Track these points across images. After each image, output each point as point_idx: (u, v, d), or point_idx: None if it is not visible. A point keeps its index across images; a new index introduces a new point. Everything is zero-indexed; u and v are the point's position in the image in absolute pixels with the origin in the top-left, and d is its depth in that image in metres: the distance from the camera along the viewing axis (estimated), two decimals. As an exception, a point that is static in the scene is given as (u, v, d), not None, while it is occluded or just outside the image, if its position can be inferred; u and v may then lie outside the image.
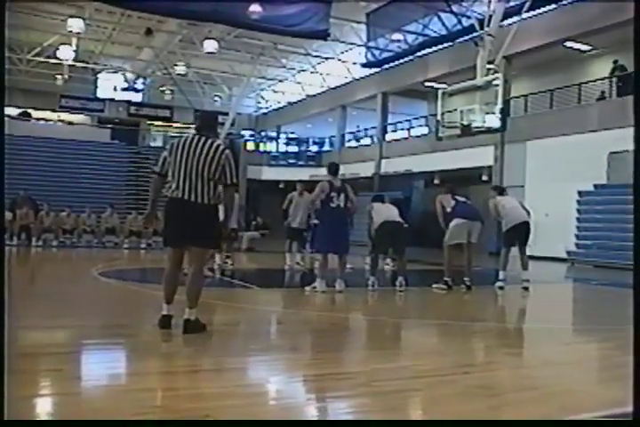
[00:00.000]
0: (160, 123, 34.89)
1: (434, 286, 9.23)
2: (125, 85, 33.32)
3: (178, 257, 5.13)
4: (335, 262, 8.43)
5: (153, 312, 5.15)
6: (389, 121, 28.40)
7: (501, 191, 10.21)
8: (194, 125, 5.29)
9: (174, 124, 35.30)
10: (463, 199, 9.75)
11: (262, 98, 36.84)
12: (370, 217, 9.00)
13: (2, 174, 4.26)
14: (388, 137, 28.12)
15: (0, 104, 4.81)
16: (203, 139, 4.99)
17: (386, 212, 8.98)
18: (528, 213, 9.76)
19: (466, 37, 17.10)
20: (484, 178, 21.31)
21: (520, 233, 9.62)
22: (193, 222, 4.92)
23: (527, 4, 15.43)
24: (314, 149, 34.19)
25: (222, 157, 4.95)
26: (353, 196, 8.40)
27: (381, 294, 8.51)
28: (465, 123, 14.23)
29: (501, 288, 9.49)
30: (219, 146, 5.01)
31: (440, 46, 21.22)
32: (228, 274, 10.32)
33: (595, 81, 18.90)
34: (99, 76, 32.82)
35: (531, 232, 9.68)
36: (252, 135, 35.65)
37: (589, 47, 19.92)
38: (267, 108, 37.32)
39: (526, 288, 9.55)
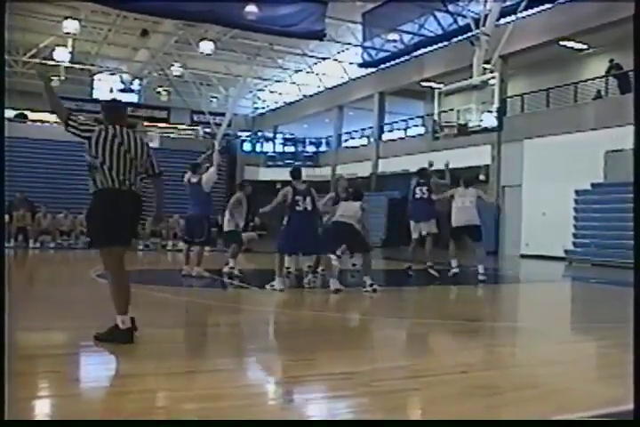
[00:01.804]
0: (157, 124, 34.86)
1: (430, 270, 9.42)
2: (122, 86, 33.26)
3: (123, 256, 4.83)
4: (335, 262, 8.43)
5: (151, 313, 5.14)
6: (386, 121, 28.40)
7: (467, 185, 10.61)
8: (102, 116, 4.93)
9: (171, 125, 35.29)
10: (420, 194, 10.19)
11: (259, 98, 36.81)
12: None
13: (2, 176, 4.25)
14: (385, 137, 28.12)
15: (0, 107, 4.77)
16: (125, 129, 4.80)
17: (342, 209, 8.77)
18: (498, 209, 10.33)
19: (462, 37, 17.09)
20: (482, 177, 21.30)
21: (463, 234, 10.36)
22: (132, 216, 4.76)
23: (523, 4, 15.43)
24: (311, 149, 34.17)
25: (146, 147, 4.86)
26: (317, 198, 8.47)
27: (378, 294, 8.50)
28: (462, 122, 14.24)
29: (455, 274, 10.19)
30: (141, 137, 4.91)
31: (436, 46, 21.21)
32: (227, 275, 10.29)
33: (590, 80, 18.92)
34: (95, 77, 32.77)
35: (477, 232, 10.35)
36: (248, 136, 35.65)
37: (585, 46, 19.93)
38: (263, 108, 37.30)
39: (482, 281, 9.93)
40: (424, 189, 10.69)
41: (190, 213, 10.33)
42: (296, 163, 31.71)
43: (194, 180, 10.20)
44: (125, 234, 4.77)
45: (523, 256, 18.69)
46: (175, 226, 19.18)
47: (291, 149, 34.64)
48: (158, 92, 32.83)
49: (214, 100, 31.46)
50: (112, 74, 32.66)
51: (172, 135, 33.93)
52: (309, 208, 8.23)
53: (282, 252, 8.44)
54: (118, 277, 4.79)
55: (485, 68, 14.50)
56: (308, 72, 29.91)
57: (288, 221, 8.45)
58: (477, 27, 15.02)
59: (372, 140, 28.51)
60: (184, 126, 35.48)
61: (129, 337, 4.55)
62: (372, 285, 8.33)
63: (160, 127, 34.85)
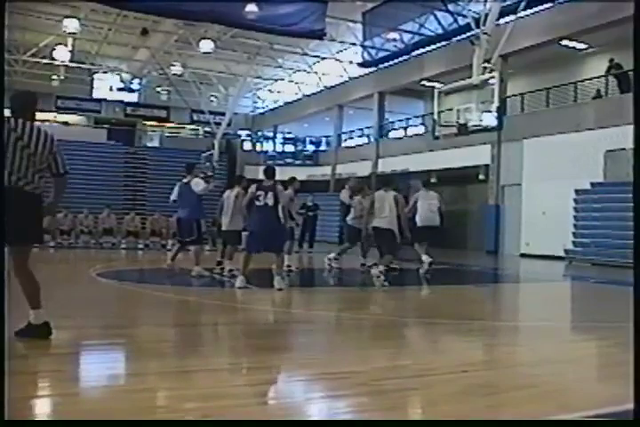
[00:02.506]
0: (156, 123, 34.90)
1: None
2: (121, 86, 33.26)
3: (21, 256, 4.58)
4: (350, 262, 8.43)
5: (151, 313, 5.15)
6: (386, 120, 28.40)
7: (426, 186, 11.30)
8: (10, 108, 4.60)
9: (171, 125, 35.32)
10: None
11: (259, 98, 36.82)
12: (371, 205, 9.23)
13: (2, 176, 4.22)
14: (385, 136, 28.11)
15: (0, 107, 4.68)
16: (28, 123, 4.46)
17: (379, 209, 9.08)
18: (442, 216, 11.04)
19: (462, 36, 17.09)
20: (482, 177, 21.32)
21: (429, 234, 10.92)
22: (24, 214, 4.42)
23: (523, 3, 15.43)
24: (311, 148, 34.18)
25: (53, 143, 4.55)
26: (283, 195, 8.66)
27: (378, 293, 8.51)
28: (461, 122, 14.23)
29: (428, 271, 10.58)
30: (46, 132, 4.58)
31: (436, 45, 21.21)
32: (225, 275, 10.28)
33: (590, 79, 18.92)
34: (95, 76, 32.75)
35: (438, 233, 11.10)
36: (248, 135, 35.66)
37: (585, 46, 19.93)
38: (263, 107, 37.31)
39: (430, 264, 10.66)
40: None
41: (179, 217, 10.37)
42: (296, 162, 31.78)
43: (185, 180, 10.17)
44: (17, 234, 4.35)
45: (523, 255, 18.70)
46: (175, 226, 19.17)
47: (290, 148, 34.66)
48: (158, 92, 32.84)
49: (214, 99, 31.46)
50: (112, 73, 32.65)
51: (171, 134, 33.99)
52: (270, 203, 8.34)
53: (247, 250, 8.58)
54: (31, 273, 4.63)
55: (485, 68, 14.48)
56: (307, 71, 29.90)
57: (251, 218, 8.73)
58: (477, 26, 15.01)
59: (371, 139, 28.50)
60: (184, 125, 35.53)
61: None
62: (379, 276, 8.72)
63: (160, 126, 34.89)
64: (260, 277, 10.10)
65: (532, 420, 3.04)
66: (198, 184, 10.01)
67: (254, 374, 4.09)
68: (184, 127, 35.62)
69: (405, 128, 28.08)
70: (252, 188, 8.55)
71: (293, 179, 11.14)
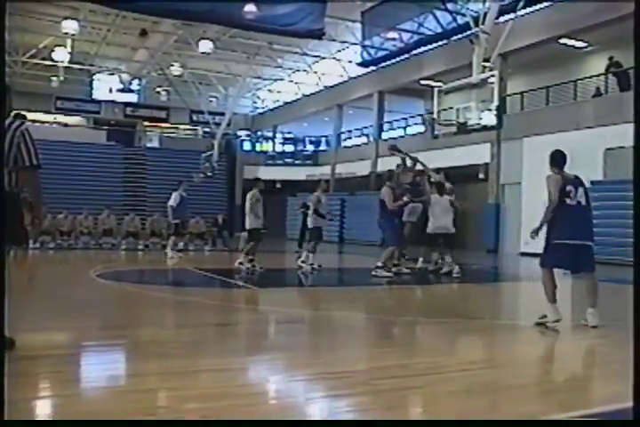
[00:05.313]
0: (156, 124, 34.91)
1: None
2: (121, 87, 33.25)
3: None
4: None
5: (151, 313, 5.14)
6: (386, 119, 28.39)
7: (441, 190, 11.45)
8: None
9: (170, 125, 35.32)
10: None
11: (258, 98, 36.81)
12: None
13: (2, 176, 4.21)
14: (385, 135, 28.10)
15: (0, 107, 4.65)
16: None
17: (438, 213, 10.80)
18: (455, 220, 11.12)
19: (461, 35, 17.06)
20: (481, 176, 21.31)
21: (440, 239, 11.02)
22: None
23: (522, 2, 15.41)
24: (310, 148, 34.19)
25: (16, 134, 4.29)
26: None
27: (378, 293, 8.50)
28: (461, 120, 14.22)
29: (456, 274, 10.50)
30: (11, 124, 4.39)
31: (435, 44, 21.20)
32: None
33: (590, 77, 18.91)
34: (94, 77, 32.77)
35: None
36: (248, 135, 35.67)
37: (585, 44, 19.91)
38: (263, 107, 37.30)
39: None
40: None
41: None
42: (296, 162, 31.80)
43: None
44: None
45: (522, 254, 18.68)
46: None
47: (290, 148, 34.68)
48: (157, 92, 32.82)
49: (214, 99, 31.44)
50: (111, 74, 32.67)
51: (171, 135, 33.99)
52: (583, 202, 6.54)
53: (544, 266, 6.61)
54: None
55: (485, 67, 14.47)
56: (307, 71, 29.90)
57: (554, 220, 6.67)
58: (477, 25, 14.98)
59: (371, 138, 28.49)
60: (183, 126, 35.53)
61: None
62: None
63: (159, 127, 34.90)
64: (260, 277, 10.12)
65: (532, 420, 3.03)
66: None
67: (255, 374, 4.09)
68: (184, 128, 35.62)
69: (405, 127, 28.11)
70: (558, 181, 6.68)
71: (326, 181, 12.07)
